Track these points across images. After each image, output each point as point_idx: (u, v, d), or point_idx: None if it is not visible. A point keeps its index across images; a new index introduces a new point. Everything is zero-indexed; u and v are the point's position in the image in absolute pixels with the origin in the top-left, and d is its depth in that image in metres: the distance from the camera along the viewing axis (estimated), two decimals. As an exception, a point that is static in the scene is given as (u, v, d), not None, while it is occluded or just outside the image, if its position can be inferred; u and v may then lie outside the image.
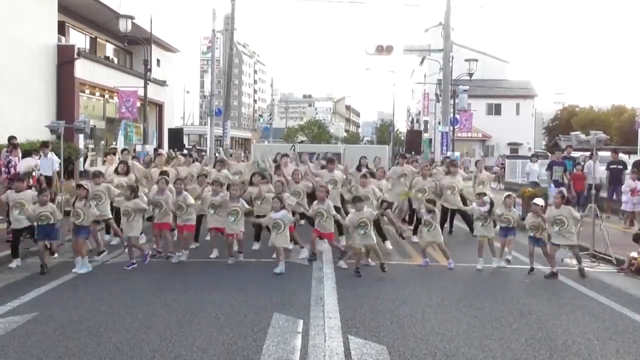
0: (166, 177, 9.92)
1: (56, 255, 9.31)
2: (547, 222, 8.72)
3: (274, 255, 8.91)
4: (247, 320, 6.20)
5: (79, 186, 9.04)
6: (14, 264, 8.78)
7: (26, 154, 12.06)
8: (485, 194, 9.87)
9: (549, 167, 15.73)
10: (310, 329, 5.92)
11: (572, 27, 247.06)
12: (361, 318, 6.36)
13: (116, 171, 10.75)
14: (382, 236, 10.26)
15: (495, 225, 9.54)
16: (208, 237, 10.08)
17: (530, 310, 6.88)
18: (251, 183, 10.28)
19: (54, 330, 5.87)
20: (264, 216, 9.34)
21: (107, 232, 10.89)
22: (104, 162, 14.72)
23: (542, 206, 8.98)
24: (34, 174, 11.96)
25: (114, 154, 13.01)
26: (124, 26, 18.84)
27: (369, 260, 8.95)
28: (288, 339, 5.64)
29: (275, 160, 12.08)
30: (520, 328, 6.17)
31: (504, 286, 8.22)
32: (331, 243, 9.53)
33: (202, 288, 7.66)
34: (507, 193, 10.22)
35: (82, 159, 21.63)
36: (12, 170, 10.73)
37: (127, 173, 10.65)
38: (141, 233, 9.71)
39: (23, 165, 11.41)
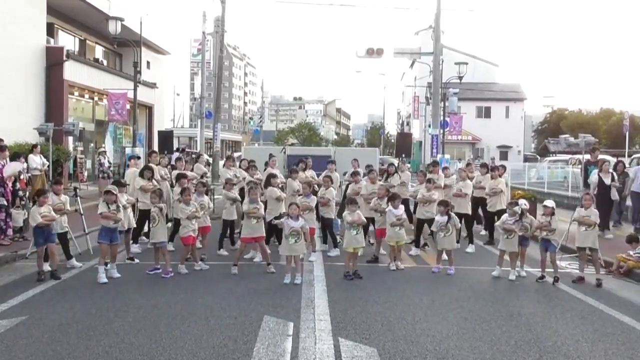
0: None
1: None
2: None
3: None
4: (238, 323, 6.19)
5: (107, 192, 8.55)
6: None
7: (14, 156, 11.93)
8: (516, 204, 9.02)
9: None
10: (300, 332, 5.92)
11: (561, 31, 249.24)
12: (351, 320, 6.37)
13: (141, 175, 10.53)
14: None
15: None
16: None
17: (520, 312, 6.93)
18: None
19: (43, 333, 5.83)
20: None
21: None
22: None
23: (552, 208, 8.63)
24: (22, 177, 11.85)
25: (139, 158, 12.95)
26: (113, 28, 18.74)
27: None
28: (278, 341, 5.64)
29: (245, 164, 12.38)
30: (510, 330, 6.20)
31: (493, 288, 8.26)
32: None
33: (192, 291, 7.64)
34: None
35: (71, 162, 21.47)
36: (-1, 174, 10.59)
37: (151, 178, 10.51)
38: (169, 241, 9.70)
39: (9, 169, 11.26)
